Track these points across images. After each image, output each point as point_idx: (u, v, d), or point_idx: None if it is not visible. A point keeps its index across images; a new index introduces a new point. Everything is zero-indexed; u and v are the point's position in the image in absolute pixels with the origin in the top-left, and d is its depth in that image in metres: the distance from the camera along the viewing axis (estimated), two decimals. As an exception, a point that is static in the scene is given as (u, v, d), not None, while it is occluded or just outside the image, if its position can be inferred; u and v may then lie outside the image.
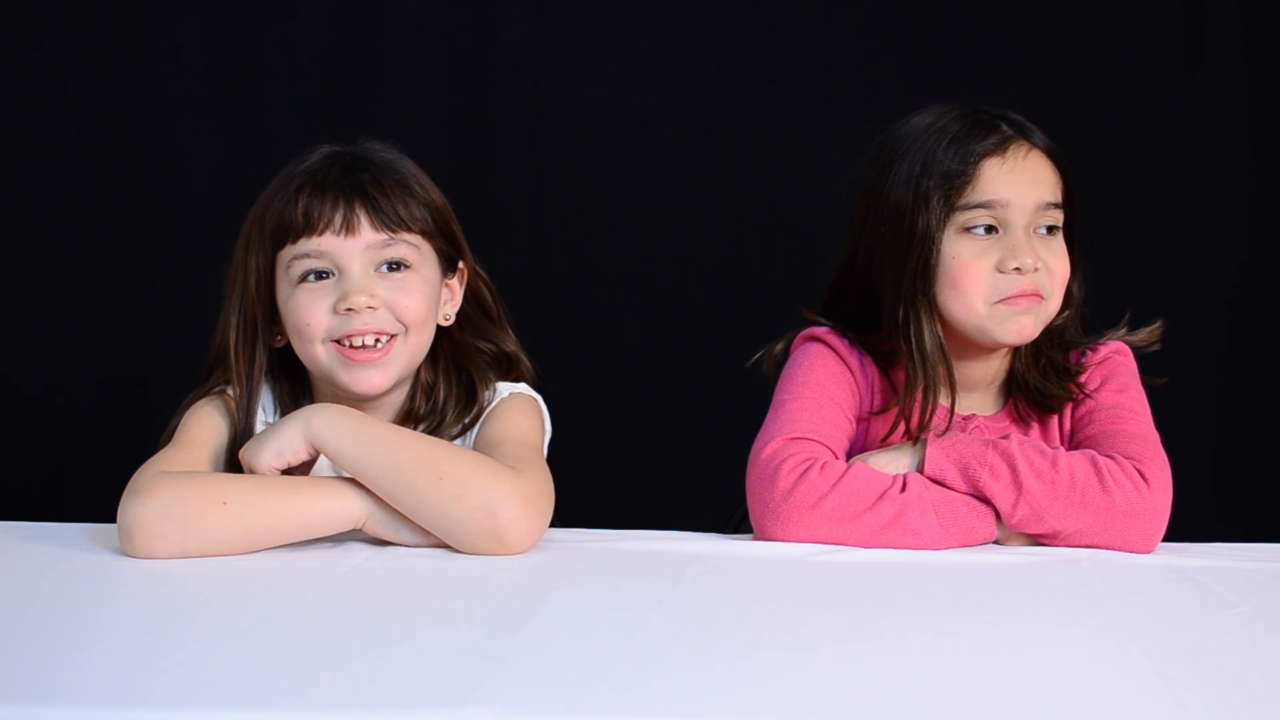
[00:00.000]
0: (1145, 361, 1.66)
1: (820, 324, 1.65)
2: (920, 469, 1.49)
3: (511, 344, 1.64)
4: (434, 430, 1.56)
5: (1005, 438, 1.50)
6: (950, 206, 1.54)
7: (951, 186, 1.54)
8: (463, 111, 2.65)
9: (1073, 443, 1.61)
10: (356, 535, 1.45)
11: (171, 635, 1.08)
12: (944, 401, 1.60)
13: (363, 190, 1.49)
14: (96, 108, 2.63)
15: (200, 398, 1.56)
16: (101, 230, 2.64)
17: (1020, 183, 1.55)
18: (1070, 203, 1.59)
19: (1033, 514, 1.46)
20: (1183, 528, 1.51)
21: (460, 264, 1.60)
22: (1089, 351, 1.64)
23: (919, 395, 1.56)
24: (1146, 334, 1.67)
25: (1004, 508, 1.46)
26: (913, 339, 1.56)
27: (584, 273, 2.67)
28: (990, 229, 1.55)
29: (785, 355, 1.67)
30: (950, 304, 1.56)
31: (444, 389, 1.57)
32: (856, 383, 1.62)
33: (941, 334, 1.57)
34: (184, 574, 1.30)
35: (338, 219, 1.48)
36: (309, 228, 1.48)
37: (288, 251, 1.50)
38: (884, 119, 1.65)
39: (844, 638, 1.10)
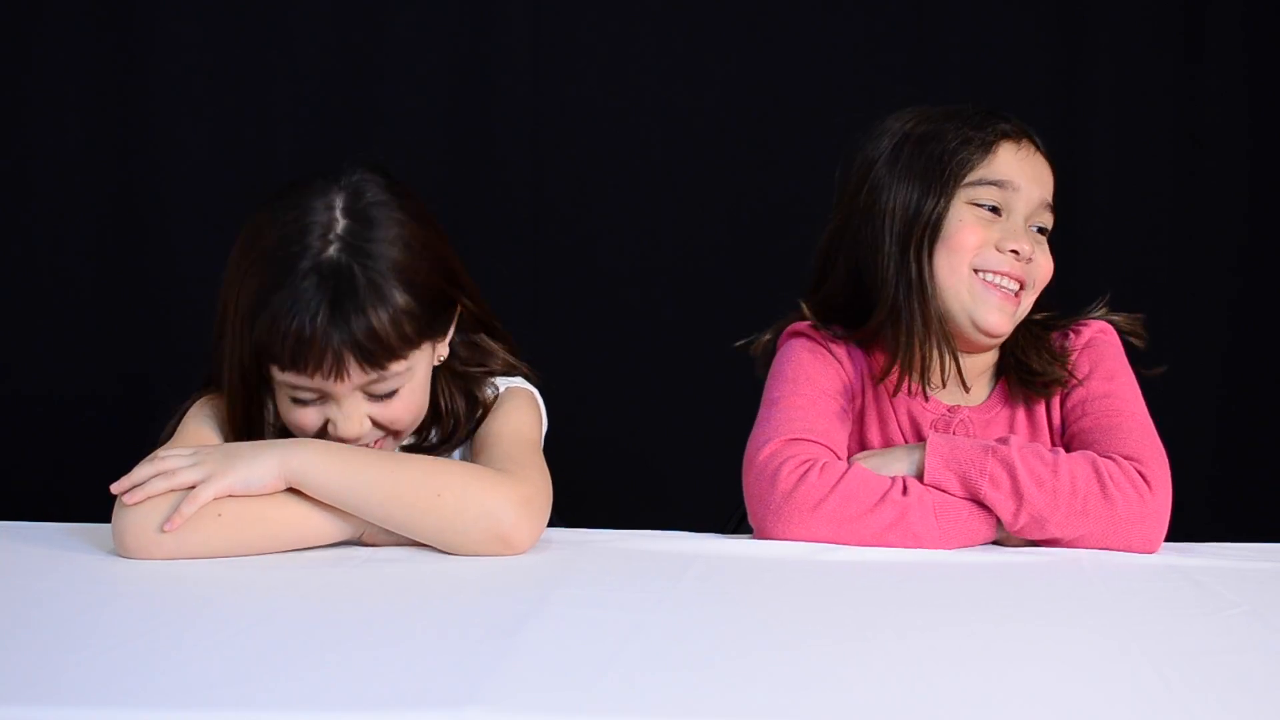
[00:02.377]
0: (1141, 358, 1.65)
1: (803, 319, 1.66)
2: (918, 474, 1.49)
3: (501, 361, 1.60)
4: (449, 438, 1.56)
5: (1004, 441, 1.49)
6: (961, 179, 1.57)
7: (969, 159, 1.57)
8: (463, 111, 2.65)
9: (1066, 436, 1.60)
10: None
11: (171, 635, 1.08)
12: (940, 396, 1.61)
13: (352, 340, 1.38)
14: (97, 108, 2.63)
15: (200, 397, 1.55)
16: (101, 230, 2.64)
17: (1030, 173, 1.59)
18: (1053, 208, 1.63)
19: (1034, 522, 1.45)
20: (1183, 528, 1.51)
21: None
22: (1072, 333, 1.65)
23: (919, 359, 1.56)
24: (1128, 319, 1.67)
25: (1005, 516, 1.46)
26: (915, 309, 1.55)
27: (584, 272, 2.67)
28: (994, 210, 1.57)
29: (773, 347, 1.68)
30: (942, 269, 1.57)
31: (452, 406, 1.55)
32: (844, 371, 1.62)
33: (941, 316, 1.57)
34: (183, 574, 1.30)
35: (326, 365, 1.39)
36: (298, 366, 1.40)
37: (276, 370, 1.43)
38: (886, 115, 1.65)
39: (844, 637, 1.10)
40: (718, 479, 1.90)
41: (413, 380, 1.47)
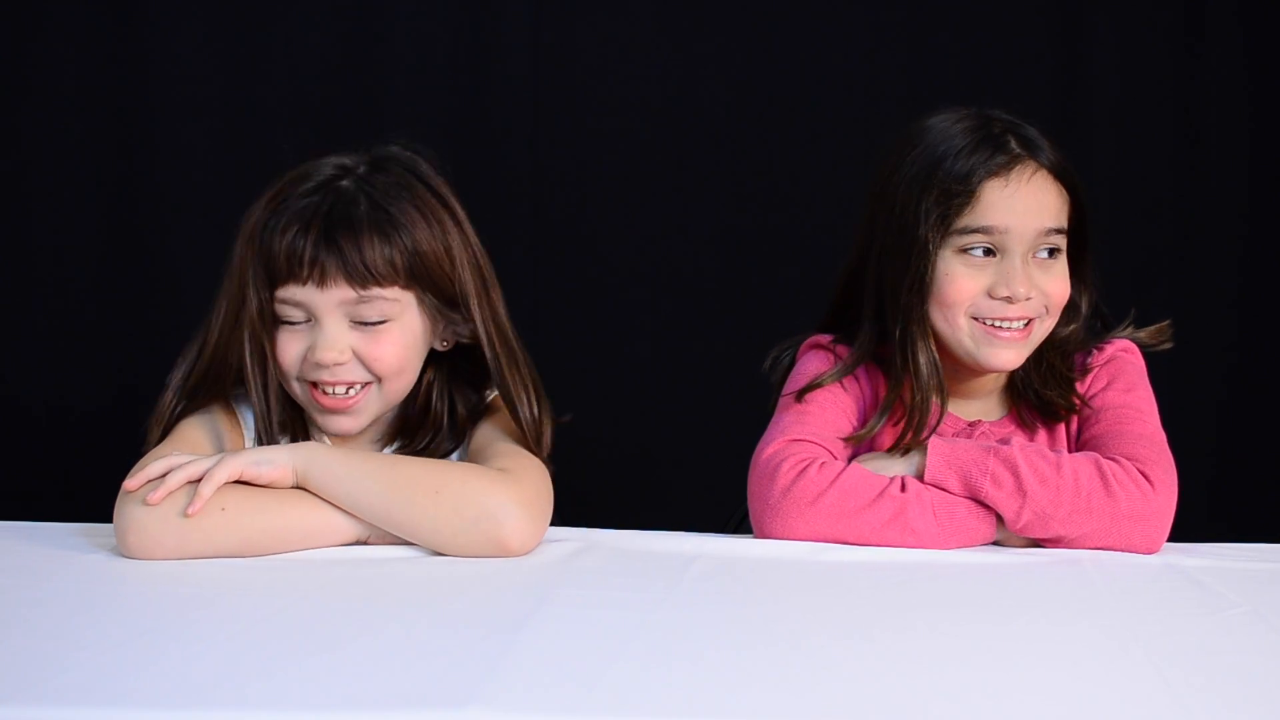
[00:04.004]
0: (1151, 359, 1.65)
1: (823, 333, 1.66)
2: (920, 475, 1.49)
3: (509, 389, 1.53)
4: (431, 442, 1.55)
5: (1006, 442, 1.49)
6: (948, 227, 1.52)
7: (950, 207, 1.52)
8: (463, 111, 2.65)
9: (1078, 442, 1.60)
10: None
11: (171, 635, 1.08)
12: (959, 411, 1.60)
13: (337, 245, 1.44)
14: (96, 108, 2.62)
15: (187, 414, 1.53)
16: (101, 232, 2.64)
17: (1021, 209, 1.52)
18: (1080, 218, 1.58)
19: (1037, 520, 1.45)
20: (1183, 528, 1.51)
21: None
22: (1095, 351, 1.63)
23: (911, 408, 1.55)
24: (1153, 332, 1.65)
25: (1008, 515, 1.46)
26: (909, 358, 1.56)
27: (585, 272, 2.67)
28: (988, 251, 1.54)
29: (791, 361, 1.68)
30: (937, 320, 1.55)
31: (441, 406, 1.55)
32: (861, 389, 1.62)
33: (937, 354, 1.57)
34: (183, 574, 1.30)
35: (315, 272, 1.44)
36: (290, 275, 1.45)
37: (268, 291, 1.47)
38: (887, 114, 1.65)
39: (844, 637, 1.10)
40: (718, 478, 1.90)
41: (400, 324, 1.48)
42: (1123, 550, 1.46)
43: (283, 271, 1.45)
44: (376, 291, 1.45)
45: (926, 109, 1.62)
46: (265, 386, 1.50)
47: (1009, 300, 1.52)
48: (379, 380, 1.49)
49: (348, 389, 1.48)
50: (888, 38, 2.64)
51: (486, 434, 1.53)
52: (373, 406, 1.51)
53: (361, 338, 1.47)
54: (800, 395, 1.58)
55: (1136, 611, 1.21)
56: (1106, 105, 2.63)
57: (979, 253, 1.53)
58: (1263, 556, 1.46)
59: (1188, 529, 1.54)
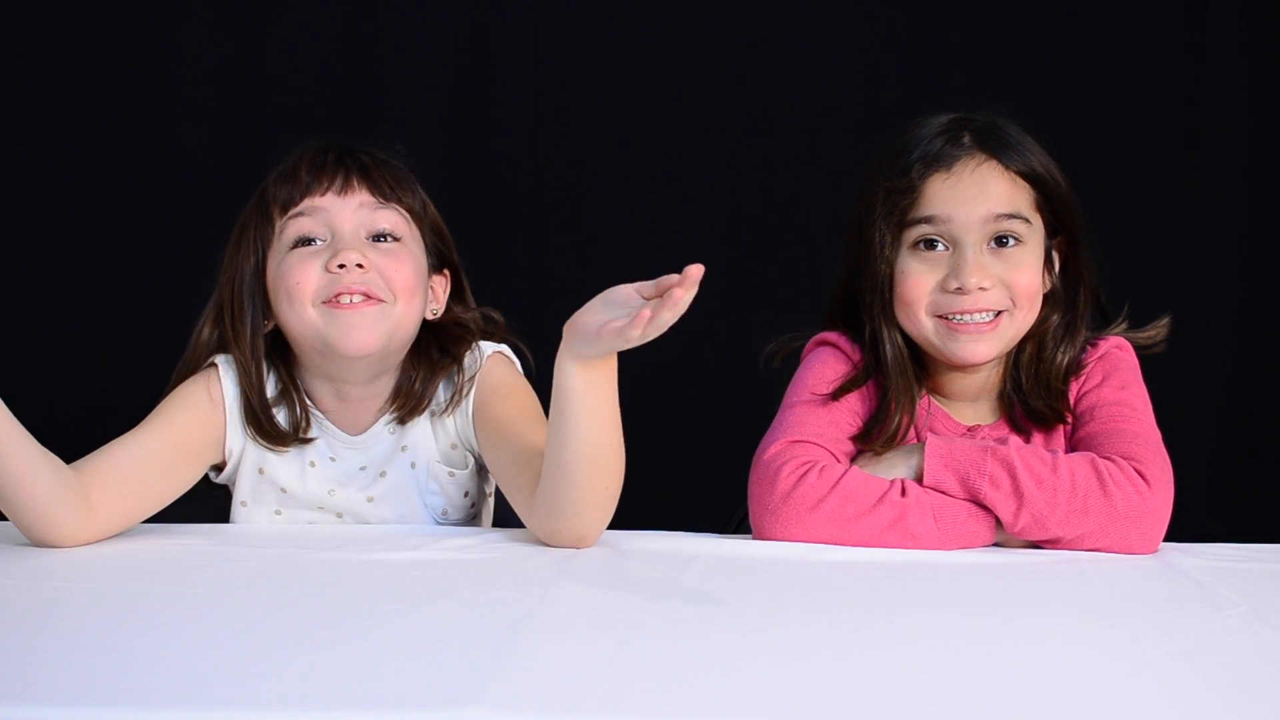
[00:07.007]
0: (1150, 359, 1.65)
1: (834, 329, 1.65)
2: (918, 476, 1.49)
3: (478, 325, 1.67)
4: (415, 407, 1.58)
5: (1003, 442, 1.49)
6: (896, 223, 1.54)
7: (897, 205, 1.54)
8: (463, 110, 2.65)
9: (1073, 439, 1.60)
10: (358, 536, 1.45)
11: (169, 635, 1.08)
12: (959, 415, 1.60)
13: (359, 161, 1.55)
14: (97, 109, 2.63)
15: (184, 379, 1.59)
16: (100, 233, 2.65)
17: (965, 197, 1.53)
18: (1061, 216, 1.57)
19: (1035, 522, 1.45)
20: (1183, 528, 1.51)
21: (445, 269, 1.63)
22: (1089, 347, 1.63)
23: (891, 406, 1.56)
24: (1152, 331, 1.65)
25: (1006, 517, 1.46)
26: (878, 351, 1.57)
27: (584, 271, 2.67)
28: (941, 245, 1.54)
29: (799, 355, 1.67)
30: (904, 321, 1.57)
31: (423, 374, 1.59)
32: (867, 387, 1.61)
33: (903, 346, 1.58)
34: (182, 573, 1.30)
35: (337, 181, 1.53)
36: (313, 184, 1.53)
37: (283, 220, 1.53)
38: (887, 114, 1.65)
39: (844, 638, 1.10)
40: (718, 479, 1.90)
41: (409, 250, 1.55)
42: (1120, 551, 1.45)
43: (303, 185, 1.53)
44: (393, 205, 1.55)
45: (926, 108, 1.62)
46: (255, 334, 1.55)
47: (961, 291, 1.52)
48: (394, 299, 1.53)
49: (365, 298, 1.51)
50: (888, 37, 2.64)
51: (501, 417, 1.56)
52: (389, 321, 1.53)
53: (378, 254, 1.53)
54: (806, 392, 1.58)
55: (1136, 611, 1.21)
56: (1106, 105, 2.63)
57: (929, 246, 1.54)
58: (1262, 556, 1.46)
59: (1187, 529, 1.54)
